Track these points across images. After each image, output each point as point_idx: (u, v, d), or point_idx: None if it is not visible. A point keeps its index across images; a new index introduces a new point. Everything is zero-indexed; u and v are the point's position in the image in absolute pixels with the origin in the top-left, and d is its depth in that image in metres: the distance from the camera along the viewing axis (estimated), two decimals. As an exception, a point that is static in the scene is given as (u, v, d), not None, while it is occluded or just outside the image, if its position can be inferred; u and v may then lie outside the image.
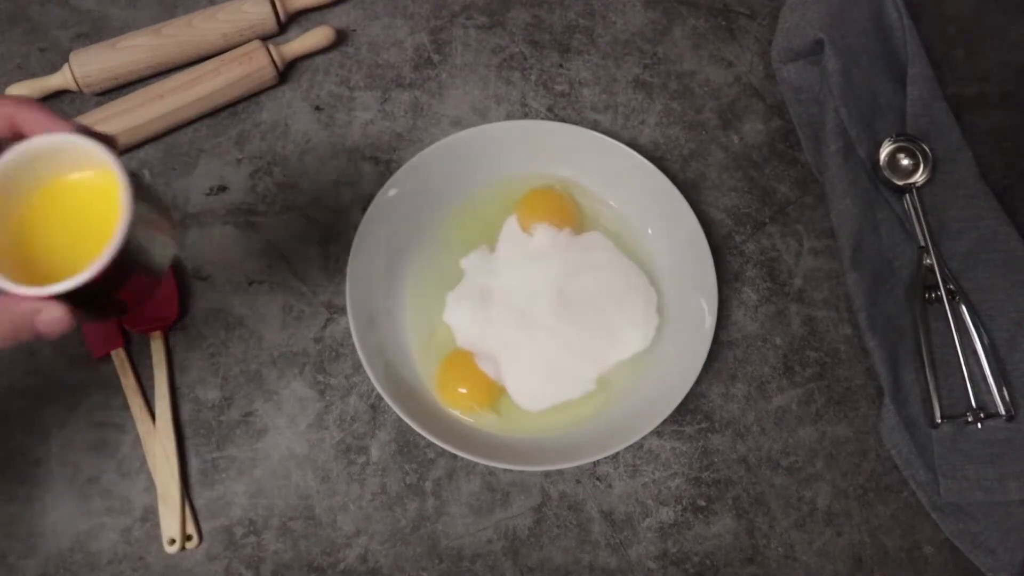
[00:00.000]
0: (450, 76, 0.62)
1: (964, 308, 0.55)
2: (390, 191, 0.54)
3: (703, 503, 0.54)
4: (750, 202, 0.60)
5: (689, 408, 0.55)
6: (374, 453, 0.54)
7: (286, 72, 0.61)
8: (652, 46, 0.63)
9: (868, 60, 0.59)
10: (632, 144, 0.56)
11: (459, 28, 0.63)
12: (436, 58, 0.62)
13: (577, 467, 0.54)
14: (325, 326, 0.56)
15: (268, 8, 0.59)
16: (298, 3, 0.61)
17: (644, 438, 0.52)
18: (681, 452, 0.54)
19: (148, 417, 0.53)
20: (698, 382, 0.52)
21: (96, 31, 0.61)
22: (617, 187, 0.57)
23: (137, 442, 0.53)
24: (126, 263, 0.33)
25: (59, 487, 0.52)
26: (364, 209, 0.54)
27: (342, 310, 0.56)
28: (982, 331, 0.54)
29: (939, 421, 0.53)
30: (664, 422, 0.50)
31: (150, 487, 0.52)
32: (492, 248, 0.56)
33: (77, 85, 0.57)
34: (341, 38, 0.62)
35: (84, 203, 0.35)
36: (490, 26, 0.63)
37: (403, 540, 0.52)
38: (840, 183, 0.57)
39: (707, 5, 0.64)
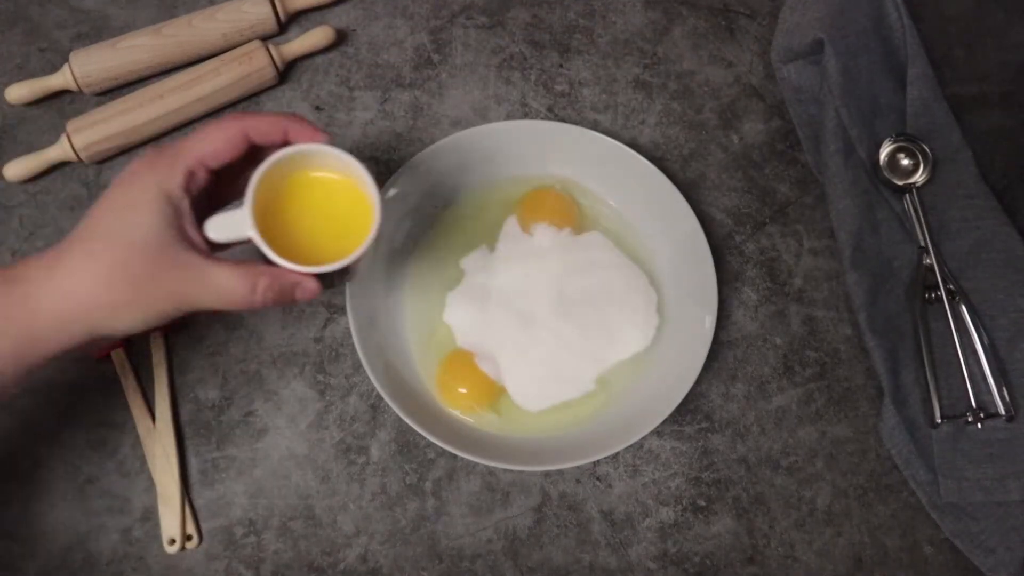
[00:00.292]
0: (450, 76, 0.62)
1: (964, 308, 0.55)
2: (390, 191, 0.54)
3: (703, 503, 0.54)
4: (750, 202, 0.60)
5: (689, 408, 0.55)
6: (374, 453, 0.54)
7: (286, 72, 0.61)
8: (652, 46, 0.63)
9: (868, 60, 0.59)
10: (632, 144, 0.56)
11: (459, 28, 0.63)
12: (436, 58, 0.62)
13: (577, 467, 0.54)
14: (325, 326, 0.56)
15: (268, 8, 0.59)
16: (298, 3, 0.61)
17: (644, 438, 0.52)
18: (681, 452, 0.54)
19: (148, 417, 0.53)
20: (698, 382, 0.52)
21: (96, 31, 0.61)
22: (617, 187, 0.57)
23: (137, 442, 0.53)
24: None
25: (59, 487, 0.52)
26: (364, 209, 0.54)
27: (342, 310, 0.56)
28: (982, 331, 0.54)
29: (939, 421, 0.53)
30: (664, 422, 0.50)
31: (150, 487, 0.52)
32: (492, 248, 0.56)
33: (77, 85, 0.57)
34: (341, 38, 0.61)
35: (328, 198, 0.43)
36: (490, 26, 0.63)
37: (403, 540, 0.52)
38: (840, 183, 0.57)
39: (707, 5, 0.64)
